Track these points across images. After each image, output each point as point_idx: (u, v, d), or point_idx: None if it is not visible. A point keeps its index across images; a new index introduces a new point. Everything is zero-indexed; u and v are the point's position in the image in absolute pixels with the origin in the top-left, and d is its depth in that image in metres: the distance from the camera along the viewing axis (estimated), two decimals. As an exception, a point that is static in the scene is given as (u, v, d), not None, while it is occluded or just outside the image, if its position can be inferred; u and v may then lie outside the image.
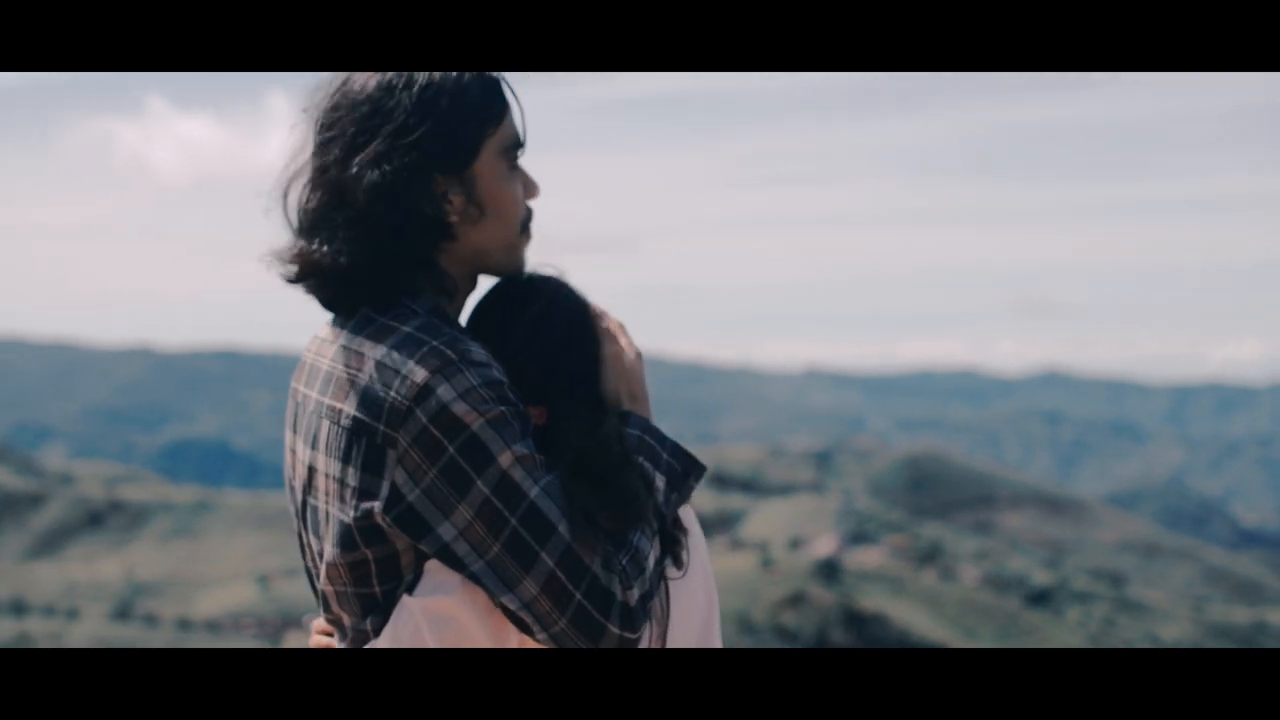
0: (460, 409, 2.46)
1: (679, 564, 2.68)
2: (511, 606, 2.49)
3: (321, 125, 2.65)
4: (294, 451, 2.67)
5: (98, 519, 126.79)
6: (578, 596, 2.46)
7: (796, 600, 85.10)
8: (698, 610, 2.74)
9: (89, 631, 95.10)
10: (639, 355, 2.79)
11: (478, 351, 2.53)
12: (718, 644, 2.78)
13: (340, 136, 2.61)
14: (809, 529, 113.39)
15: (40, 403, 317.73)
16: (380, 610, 2.59)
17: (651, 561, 2.55)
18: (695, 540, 2.76)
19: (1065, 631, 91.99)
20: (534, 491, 2.48)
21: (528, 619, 2.48)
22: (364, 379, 2.52)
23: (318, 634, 2.77)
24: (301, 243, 2.63)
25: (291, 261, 2.64)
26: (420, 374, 2.48)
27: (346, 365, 2.56)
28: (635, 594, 2.49)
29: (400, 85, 2.65)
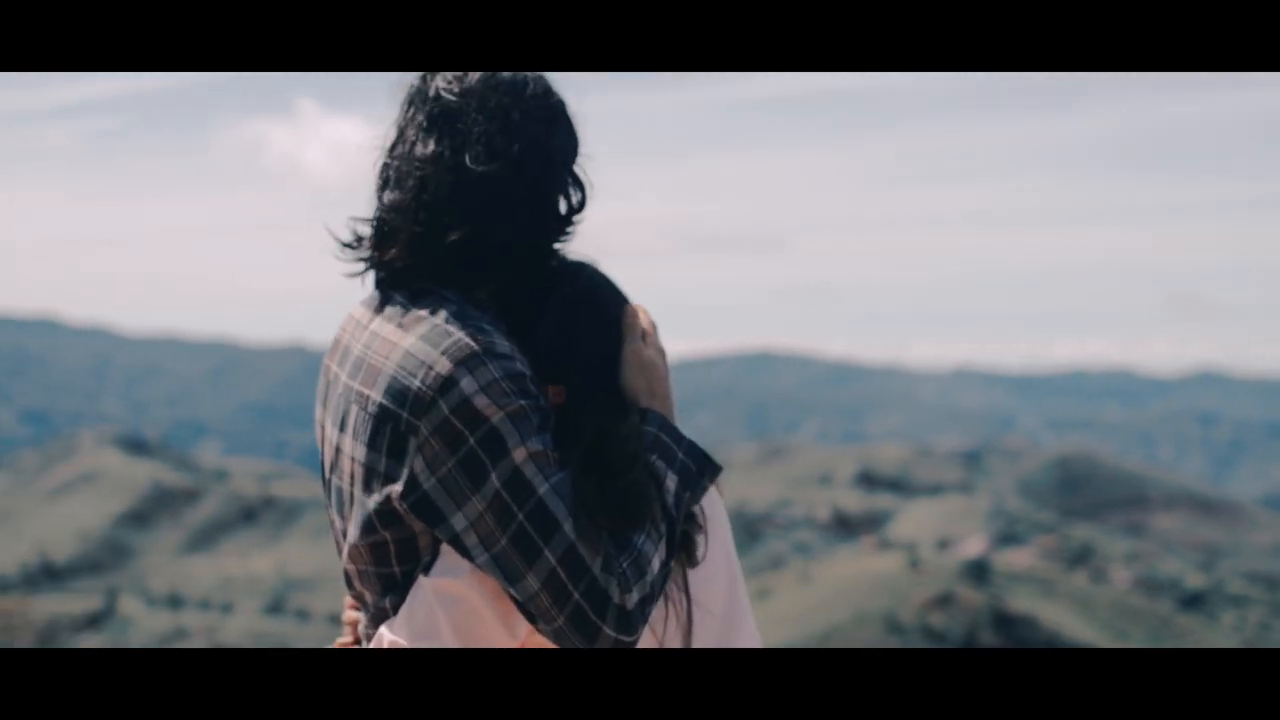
0: (481, 402, 2.52)
1: (693, 562, 2.70)
2: (518, 598, 2.53)
3: (440, 114, 2.69)
4: (323, 427, 2.75)
5: (251, 515, 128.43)
6: (576, 596, 2.50)
7: (945, 601, 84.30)
8: (718, 598, 2.75)
9: (243, 626, 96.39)
10: (662, 353, 2.78)
11: (502, 343, 2.58)
12: (746, 628, 2.79)
13: (467, 129, 2.67)
14: (958, 529, 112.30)
15: (196, 400, 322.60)
16: (399, 589, 2.65)
17: (656, 565, 2.57)
18: (717, 525, 2.77)
19: (1219, 636, 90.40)
20: (543, 489, 2.52)
21: (531, 611, 2.53)
22: (391, 367, 2.59)
23: (349, 610, 2.84)
24: (393, 221, 2.69)
25: (387, 236, 2.70)
26: (445, 365, 2.54)
27: (376, 352, 2.63)
28: (634, 598, 2.52)
29: (529, 85, 2.73)
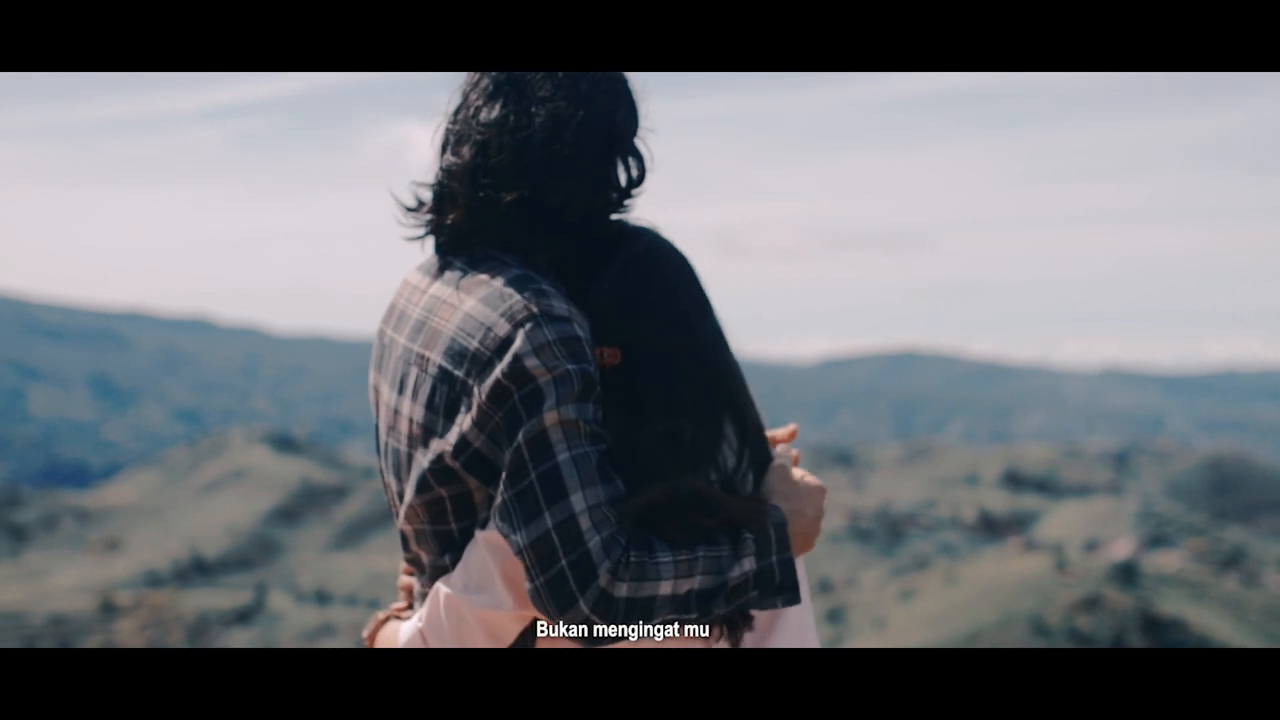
0: (532, 363, 2.54)
1: (733, 642, 2.68)
2: (513, 549, 2.54)
3: (507, 79, 2.73)
4: (378, 391, 2.79)
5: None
6: (562, 563, 2.49)
7: (1092, 604, 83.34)
8: None
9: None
10: (820, 489, 2.76)
11: (560, 306, 2.60)
12: (790, 623, 2.77)
13: (534, 95, 2.70)
14: (1106, 531, 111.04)
15: (344, 399, 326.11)
16: (457, 547, 2.68)
17: (663, 590, 2.53)
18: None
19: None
20: (562, 456, 2.52)
21: (523, 564, 2.53)
22: (452, 329, 2.62)
23: (403, 575, 2.88)
24: (453, 184, 2.72)
25: (446, 199, 2.74)
26: (504, 327, 2.57)
27: (437, 315, 2.67)
28: (622, 589, 2.50)
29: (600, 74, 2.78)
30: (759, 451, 2.75)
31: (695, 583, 2.55)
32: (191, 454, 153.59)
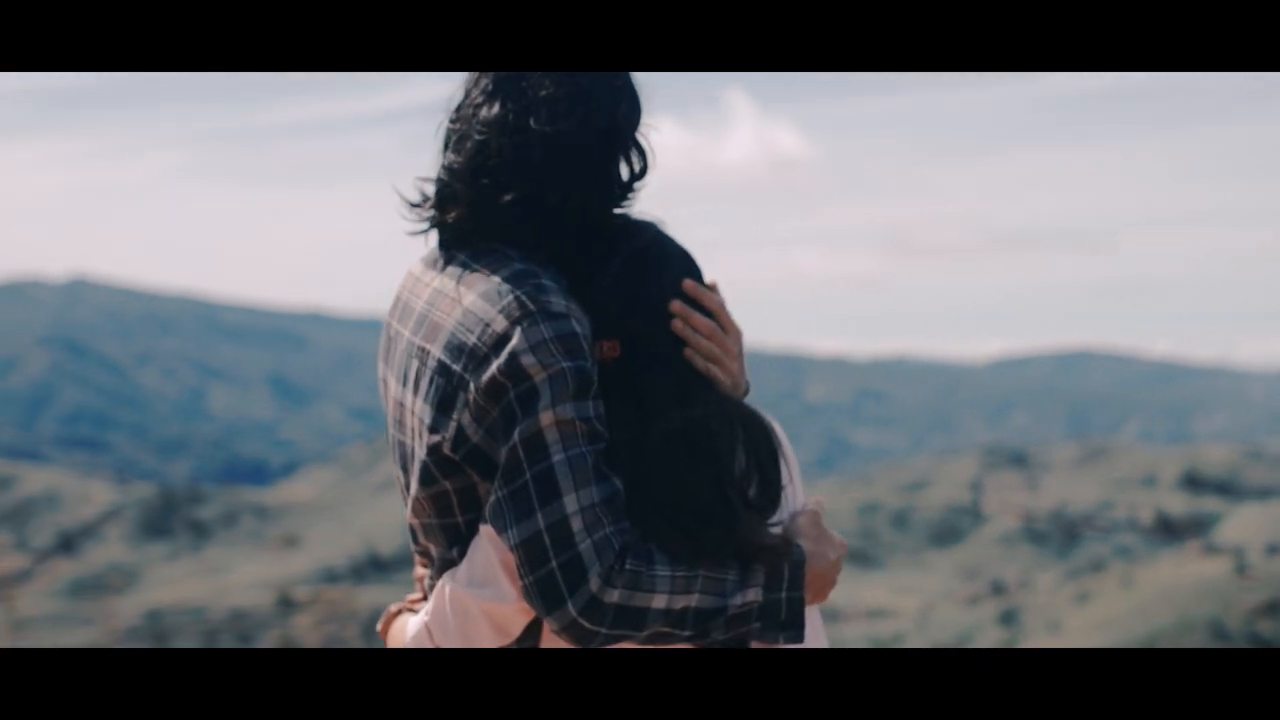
0: (528, 360, 2.55)
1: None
2: (506, 544, 2.56)
3: (507, 76, 2.73)
4: (386, 384, 2.80)
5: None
6: (553, 564, 2.50)
7: (1274, 608, 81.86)
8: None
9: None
10: (842, 546, 2.74)
11: (558, 302, 2.61)
12: None
13: (534, 92, 2.70)
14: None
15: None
16: (464, 540, 2.69)
17: (654, 602, 2.53)
18: (793, 489, 2.75)
19: None
20: (557, 457, 2.53)
21: (515, 561, 2.55)
22: (452, 324, 2.65)
23: (419, 566, 2.88)
24: (454, 184, 2.73)
25: (448, 198, 2.74)
26: (501, 323, 2.59)
27: (439, 309, 2.69)
28: (613, 595, 2.51)
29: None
30: (764, 453, 2.70)
31: (693, 601, 2.54)
32: (368, 452, 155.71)
